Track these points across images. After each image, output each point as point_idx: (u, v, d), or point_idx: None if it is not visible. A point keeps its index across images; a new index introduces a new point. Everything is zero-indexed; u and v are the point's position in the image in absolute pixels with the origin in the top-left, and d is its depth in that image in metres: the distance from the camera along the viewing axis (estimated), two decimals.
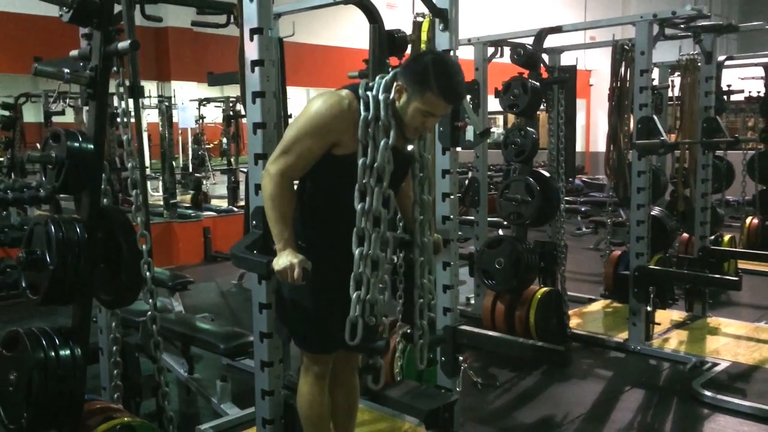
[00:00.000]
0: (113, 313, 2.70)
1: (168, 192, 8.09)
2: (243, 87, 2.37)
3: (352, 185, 2.08)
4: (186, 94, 10.15)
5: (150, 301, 2.50)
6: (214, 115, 12.47)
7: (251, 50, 2.24)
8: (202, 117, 11.74)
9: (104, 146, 2.46)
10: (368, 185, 2.06)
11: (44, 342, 2.28)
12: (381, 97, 2.06)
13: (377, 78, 2.12)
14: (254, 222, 2.27)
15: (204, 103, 11.53)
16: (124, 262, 2.40)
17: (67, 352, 2.30)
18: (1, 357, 2.37)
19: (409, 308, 2.48)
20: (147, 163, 10.85)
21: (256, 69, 2.23)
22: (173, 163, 8.92)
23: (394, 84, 2.08)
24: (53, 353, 2.27)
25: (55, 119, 8.78)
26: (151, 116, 10.56)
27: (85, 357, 2.39)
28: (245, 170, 10.30)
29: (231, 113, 10.42)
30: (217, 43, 7.97)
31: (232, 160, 10.23)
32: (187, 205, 9.26)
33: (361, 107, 2.07)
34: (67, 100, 7.92)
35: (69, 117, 9.10)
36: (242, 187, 10.00)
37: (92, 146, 2.38)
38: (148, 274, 2.45)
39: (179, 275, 4.99)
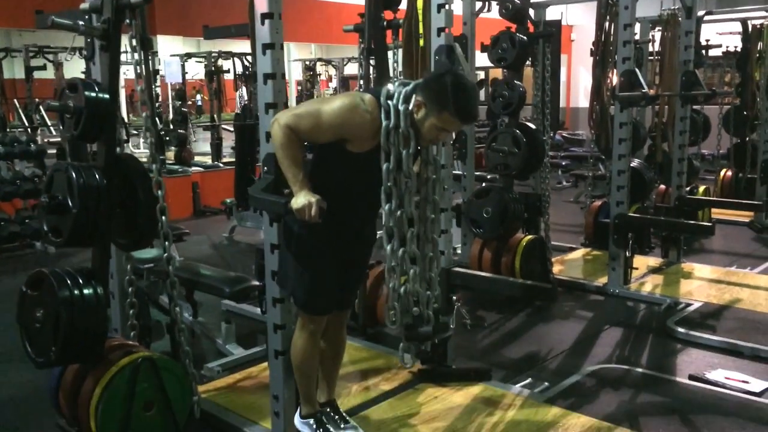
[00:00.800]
0: (127, 257, 2.84)
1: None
2: (253, 39, 2.49)
3: (361, 179, 2.30)
4: (166, 49, 10.10)
5: (165, 243, 2.64)
6: (194, 71, 12.37)
7: (261, 3, 2.34)
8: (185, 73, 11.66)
9: (118, 96, 2.57)
10: (393, 188, 2.27)
11: (69, 281, 2.43)
12: (401, 107, 2.22)
13: (397, 86, 2.26)
14: (266, 168, 2.41)
15: (185, 58, 11.44)
16: (141, 206, 2.54)
17: (91, 290, 2.46)
18: (27, 296, 2.52)
19: None
20: (127, 119, 10.85)
21: (266, 21, 2.34)
22: (158, 119, 8.93)
23: (414, 97, 2.23)
24: (78, 291, 2.43)
25: (36, 75, 8.74)
26: (130, 72, 10.45)
27: (106, 295, 2.55)
28: (227, 127, 10.25)
29: (213, 69, 10.39)
30: None
31: (215, 116, 10.24)
32: (171, 161, 9.29)
33: (382, 115, 2.23)
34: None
35: (50, 73, 9.07)
36: (225, 143, 10.07)
37: (108, 96, 2.50)
38: (163, 218, 2.58)
39: (176, 227, 5.11)
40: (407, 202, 2.32)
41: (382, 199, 2.29)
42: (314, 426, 2.60)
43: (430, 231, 2.47)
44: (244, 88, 10.24)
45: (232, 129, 8.76)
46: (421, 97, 2.23)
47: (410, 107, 2.24)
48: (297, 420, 2.64)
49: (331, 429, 2.59)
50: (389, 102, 2.24)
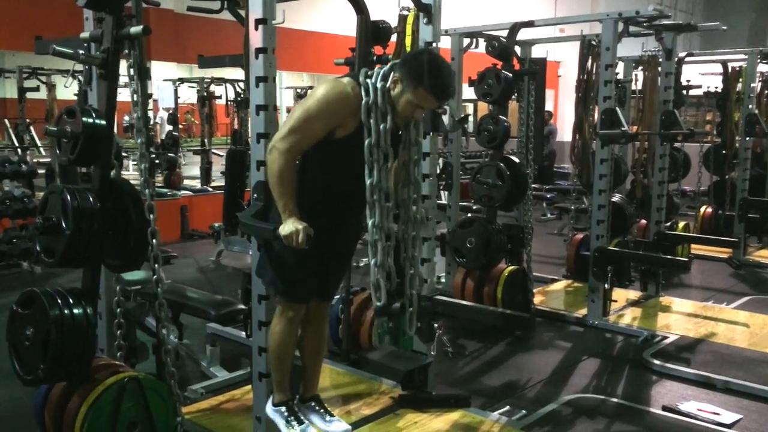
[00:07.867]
0: (117, 278, 2.90)
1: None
2: (247, 72, 2.59)
3: (348, 165, 2.36)
4: (159, 73, 10.20)
5: (155, 265, 2.71)
6: (185, 95, 12.48)
7: (256, 39, 2.45)
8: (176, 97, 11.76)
9: (114, 122, 2.66)
10: (374, 161, 2.34)
11: (60, 301, 2.49)
12: (379, 85, 2.34)
13: (376, 68, 2.38)
14: (255, 195, 2.50)
15: (178, 83, 11.54)
16: (134, 229, 2.61)
17: (81, 310, 2.51)
18: (17, 314, 2.57)
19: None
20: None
21: (260, 56, 2.45)
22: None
23: (391, 74, 2.34)
24: (68, 311, 2.48)
25: (28, 95, 8.80)
26: (122, 95, 10.55)
27: (95, 315, 2.61)
28: (218, 152, 10.31)
29: (205, 94, 10.51)
30: (198, 26, 8.11)
31: (205, 141, 10.34)
32: (160, 184, 9.35)
33: (363, 93, 2.34)
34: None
35: (42, 93, 9.12)
36: (215, 168, 10.15)
37: (104, 122, 2.58)
38: (154, 241, 2.65)
39: (163, 250, 5.16)
40: (384, 177, 2.37)
41: (366, 173, 2.35)
42: (285, 414, 2.63)
43: (410, 211, 2.55)
44: None
45: (222, 154, 8.85)
46: (398, 74, 2.33)
47: (388, 84, 2.34)
48: (269, 408, 2.66)
49: (302, 417, 2.61)
50: (368, 81, 2.35)
